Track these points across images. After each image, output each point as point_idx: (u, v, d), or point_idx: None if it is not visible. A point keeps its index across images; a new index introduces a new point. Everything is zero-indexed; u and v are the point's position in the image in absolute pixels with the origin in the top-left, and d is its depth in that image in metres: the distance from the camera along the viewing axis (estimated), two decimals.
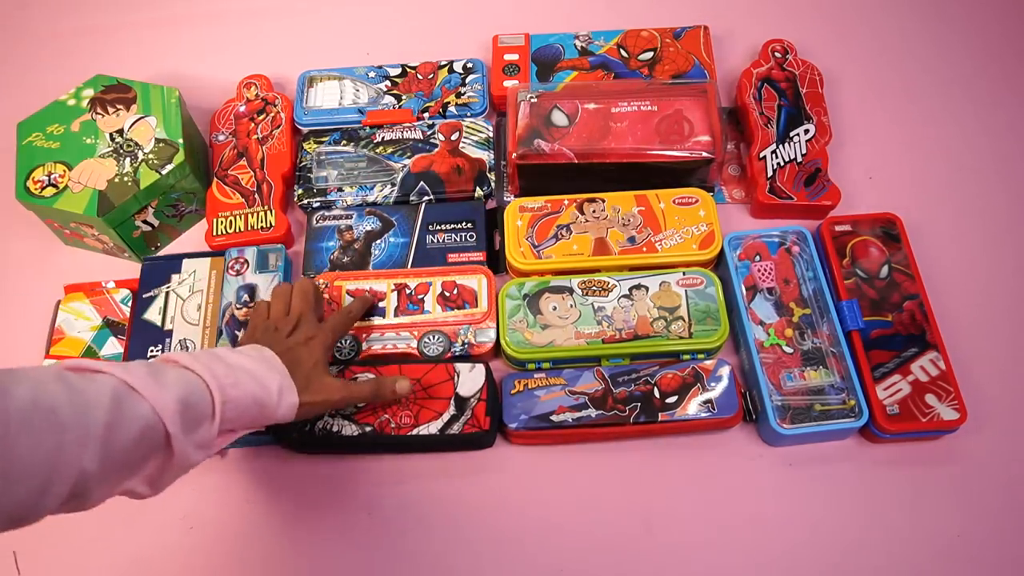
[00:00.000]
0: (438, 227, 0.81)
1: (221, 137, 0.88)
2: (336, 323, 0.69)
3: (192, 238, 0.87)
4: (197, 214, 0.87)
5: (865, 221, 0.78)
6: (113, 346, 0.77)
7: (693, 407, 0.69)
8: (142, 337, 0.76)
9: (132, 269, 0.83)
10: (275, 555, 0.69)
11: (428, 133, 0.86)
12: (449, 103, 0.89)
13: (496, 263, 0.80)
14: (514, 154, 0.80)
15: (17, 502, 0.44)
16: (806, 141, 0.82)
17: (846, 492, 0.69)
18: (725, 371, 0.70)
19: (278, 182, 0.84)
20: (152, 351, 0.76)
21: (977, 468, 0.70)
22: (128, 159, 0.80)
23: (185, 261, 0.80)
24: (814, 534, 0.68)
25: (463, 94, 0.89)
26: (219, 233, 0.82)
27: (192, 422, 0.53)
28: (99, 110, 0.83)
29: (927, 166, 0.86)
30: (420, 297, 0.76)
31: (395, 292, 0.77)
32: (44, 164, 0.80)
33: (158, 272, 0.80)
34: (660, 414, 0.69)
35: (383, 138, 0.86)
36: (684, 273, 0.75)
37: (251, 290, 0.78)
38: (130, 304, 0.79)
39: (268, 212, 0.83)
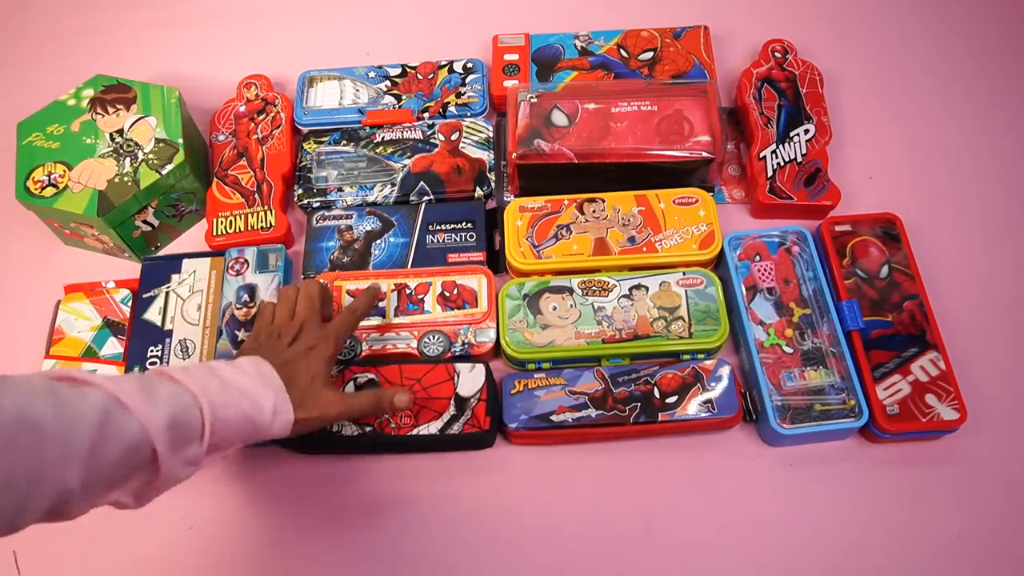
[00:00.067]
0: (438, 227, 0.81)
1: (221, 137, 0.88)
2: (341, 325, 0.68)
3: (192, 238, 0.87)
4: (197, 214, 0.87)
5: (865, 221, 0.78)
6: (113, 346, 0.77)
7: (693, 407, 0.69)
8: (142, 337, 0.76)
9: (132, 269, 0.83)
10: (275, 555, 0.69)
11: (428, 133, 0.86)
12: (449, 103, 0.89)
13: (496, 263, 0.80)
14: (514, 154, 0.79)
15: None
16: (806, 141, 0.82)
17: (846, 492, 0.69)
18: (725, 371, 0.70)
19: (278, 182, 0.84)
20: (152, 351, 0.76)
21: (977, 468, 0.70)
22: (128, 159, 0.80)
23: (185, 261, 0.80)
24: (814, 534, 0.68)
25: (463, 94, 0.89)
26: (219, 233, 0.82)
27: (181, 441, 0.52)
28: (99, 110, 0.83)
29: (927, 166, 0.86)
30: (420, 297, 0.76)
31: (395, 292, 0.77)
32: (44, 164, 0.80)
33: (158, 272, 0.80)
34: (660, 414, 0.69)
35: (383, 138, 0.86)
36: (684, 273, 0.75)
37: (251, 290, 0.78)
38: (130, 304, 0.79)
39: (268, 212, 0.83)
